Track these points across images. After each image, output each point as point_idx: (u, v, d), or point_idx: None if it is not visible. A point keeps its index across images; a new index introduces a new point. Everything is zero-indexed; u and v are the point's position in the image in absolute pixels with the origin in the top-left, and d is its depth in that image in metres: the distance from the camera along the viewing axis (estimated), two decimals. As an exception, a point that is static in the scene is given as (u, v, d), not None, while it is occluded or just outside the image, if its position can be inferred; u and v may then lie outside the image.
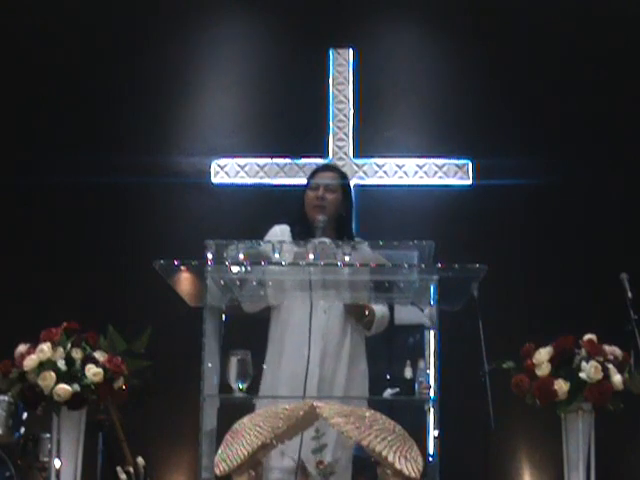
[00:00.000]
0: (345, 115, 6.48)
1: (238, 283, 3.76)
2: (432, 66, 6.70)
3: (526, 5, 6.60)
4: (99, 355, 3.47)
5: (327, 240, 4.03)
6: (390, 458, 3.01)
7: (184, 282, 3.77)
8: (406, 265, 3.78)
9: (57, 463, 3.38)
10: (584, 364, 3.20)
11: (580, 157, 6.28)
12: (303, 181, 6.37)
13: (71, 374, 3.38)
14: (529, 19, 6.58)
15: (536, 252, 6.20)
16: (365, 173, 6.41)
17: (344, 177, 4.44)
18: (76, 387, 3.35)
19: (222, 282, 3.78)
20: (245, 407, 3.43)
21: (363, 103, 6.50)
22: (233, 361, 3.67)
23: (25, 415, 5.10)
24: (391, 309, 4.50)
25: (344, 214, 4.33)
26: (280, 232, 4.27)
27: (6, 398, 4.91)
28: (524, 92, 6.45)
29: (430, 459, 3.59)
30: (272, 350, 4.20)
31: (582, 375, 3.19)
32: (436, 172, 6.42)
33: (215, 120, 6.70)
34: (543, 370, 3.23)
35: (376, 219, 6.26)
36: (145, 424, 5.72)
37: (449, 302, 4.11)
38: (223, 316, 3.86)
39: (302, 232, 4.20)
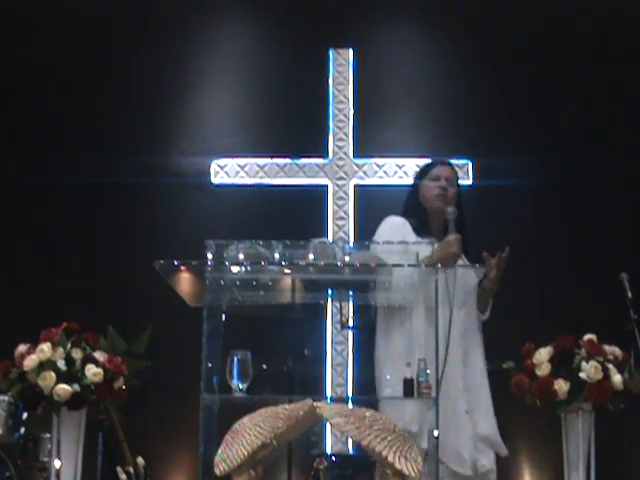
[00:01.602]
0: (345, 115, 6.48)
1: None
2: (432, 66, 6.70)
3: (526, 5, 6.60)
4: (99, 355, 3.47)
5: (327, 240, 4.03)
6: (390, 458, 3.01)
7: (184, 282, 3.78)
8: (406, 265, 3.78)
9: (57, 463, 3.39)
10: (584, 364, 3.21)
11: (580, 157, 6.28)
12: (303, 181, 6.48)
13: (71, 374, 3.38)
14: (529, 19, 6.58)
15: (536, 252, 6.19)
16: (365, 173, 6.41)
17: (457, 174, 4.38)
18: (76, 387, 3.35)
19: (222, 282, 3.78)
20: (245, 407, 3.43)
21: (363, 103, 6.49)
22: (233, 361, 3.67)
23: (25, 415, 5.09)
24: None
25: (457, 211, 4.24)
26: (402, 225, 4.19)
27: (6, 398, 4.90)
28: (524, 92, 6.45)
29: (430, 459, 3.59)
30: (389, 349, 4.06)
31: (582, 375, 3.19)
32: (436, 172, 6.41)
33: (215, 120, 6.70)
34: (543, 370, 3.23)
35: (376, 219, 6.24)
36: (145, 424, 5.72)
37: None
38: (223, 316, 3.86)
39: (422, 226, 4.14)
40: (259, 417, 3.15)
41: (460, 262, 4.05)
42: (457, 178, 4.33)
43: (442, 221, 4.13)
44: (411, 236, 4.10)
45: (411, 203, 4.29)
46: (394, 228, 4.16)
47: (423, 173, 4.31)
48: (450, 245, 3.94)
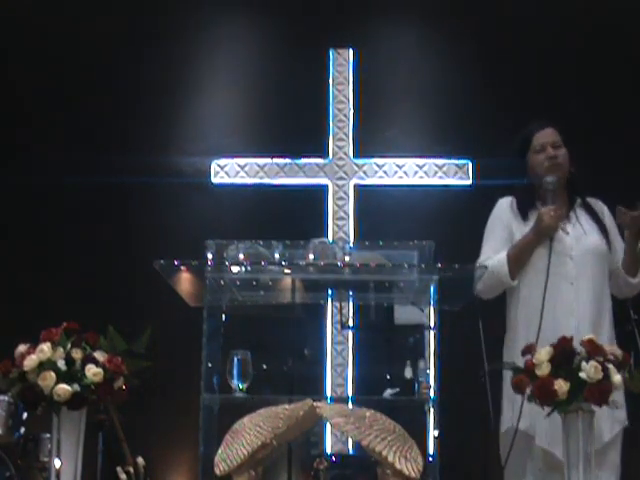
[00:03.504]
0: (345, 115, 6.48)
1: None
2: (432, 66, 6.70)
3: (526, 6, 6.60)
4: (99, 355, 3.47)
5: (327, 240, 4.03)
6: (390, 458, 3.00)
7: (184, 282, 3.77)
8: (406, 265, 3.78)
9: (57, 463, 3.38)
10: (584, 364, 3.20)
11: (580, 157, 6.26)
12: (303, 181, 6.49)
13: (71, 374, 3.37)
14: (529, 20, 6.58)
15: (536, 252, 6.19)
16: (365, 173, 6.41)
17: (560, 131, 4.08)
18: (76, 387, 3.34)
19: (222, 282, 3.78)
20: (245, 407, 3.43)
21: (363, 103, 6.50)
22: (233, 361, 3.67)
23: (25, 415, 5.10)
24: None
25: (573, 171, 4.06)
26: (507, 205, 4.04)
27: (6, 398, 4.91)
28: (524, 92, 6.45)
29: (430, 459, 3.59)
30: (512, 331, 3.91)
31: (582, 375, 3.19)
32: (436, 172, 6.42)
33: (215, 120, 6.70)
34: (543, 370, 3.23)
35: (376, 219, 6.26)
36: (145, 424, 5.72)
37: (449, 302, 4.11)
38: (223, 316, 3.86)
39: (527, 200, 3.95)
40: (259, 417, 3.15)
41: (569, 229, 3.90)
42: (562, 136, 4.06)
43: (562, 191, 3.98)
44: (518, 217, 3.97)
45: (521, 182, 4.08)
46: (496, 218, 4.05)
47: (525, 146, 4.08)
48: (541, 218, 3.80)
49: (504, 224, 4.00)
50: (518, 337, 3.81)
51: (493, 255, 3.92)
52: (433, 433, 3.61)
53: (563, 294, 3.78)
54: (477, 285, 3.88)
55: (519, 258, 3.86)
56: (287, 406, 3.17)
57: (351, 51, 6.57)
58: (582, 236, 3.90)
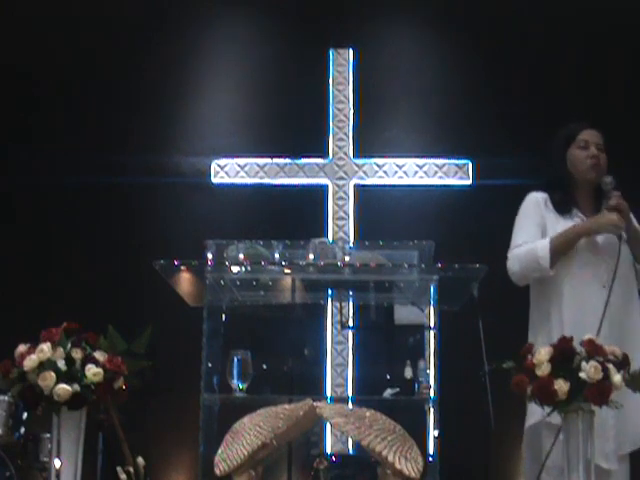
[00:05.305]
0: (345, 115, 6.48)
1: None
2: (432, 66, 6.70)
3: (526, 6, 6.60)
4: (99, 355, 3.47)
5: (327, 240, 4.03)
6: (390, 458, 3.00)
7: (184, 282, 3.78)
8: (406, 265, 3.79)
9: (57, 463, 3.38)
10: (584, 364, 3.20)
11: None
12: (303, 181, 6.49)
13: (71, 374, 3.37)
14: (529, 20, 6.58)
15: (536, 252, 6.19)
16: (365, 173, 6.41)
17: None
18: (76, 387, 3.34)
19: (222, 282, 3.79)
20: (245, 407, 3.43)
21: (363, 103, 6.50)
22: (233, 361, 3.68)
23: (25, 415, 5.10)
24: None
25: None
26: (541, 199, 3.93)
27: (6, 398, 4.91)
28: (524, 92, 6.46)
29: (430, 459, 3.60)
30: (540, 323, 3.86)
31: (582, 375, 3.19)
32: (436, 172, 6.42)
33: (215, 120, 6.70)
34: (543, 370, 3.23)
35: (376, 219, 6.26)
36: (145, 424, 5.72)
37: (449, 302, 4.12)
38: (223, 316, 3.86)
39: (567, 199, 3.87)
40: (259, 417, 3.15)
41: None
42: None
43: (593, 192, 3.90)
44: (550, 213, 3.89)
45: (557, 175, 3.96)
46: (531, 207, 3.96)
47: (569, 140, 3.98)
48: (610, 216, 3.72)
49: (539, 215, 3.91)
50: (540, 332, 3.79)
51: (529, 240, 3.83)
52: (433, 433, 3.61)
53: (594, 297, 3.71)
54: (513, 266, 3.82)
55: (563, 247, 3.75)
56: (287, 406, 3.17)
57: (351, 51, 6.57)
58: (614, 241, 3.80)
